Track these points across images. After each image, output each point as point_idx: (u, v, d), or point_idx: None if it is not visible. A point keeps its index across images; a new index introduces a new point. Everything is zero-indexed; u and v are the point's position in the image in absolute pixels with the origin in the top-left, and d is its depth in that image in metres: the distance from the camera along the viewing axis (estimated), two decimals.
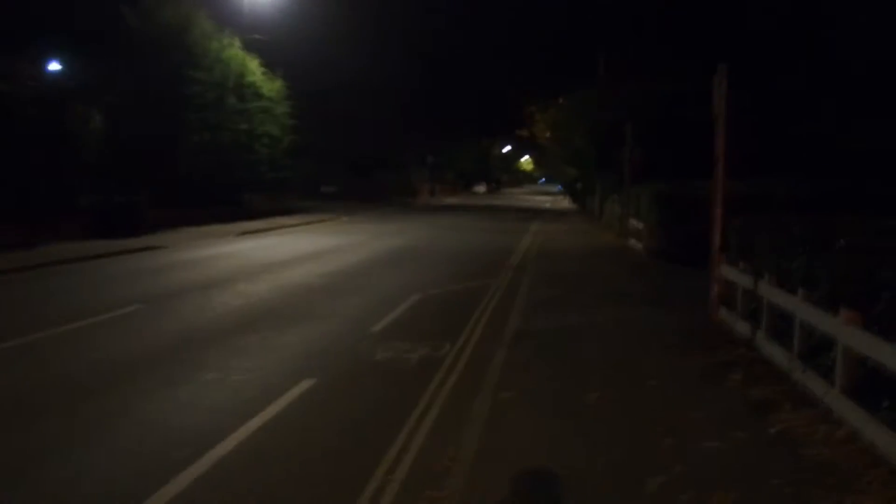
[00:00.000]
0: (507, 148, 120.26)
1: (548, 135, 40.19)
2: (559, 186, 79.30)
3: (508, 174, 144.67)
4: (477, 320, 11.85)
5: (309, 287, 15.07)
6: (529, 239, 27.59)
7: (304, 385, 8.02)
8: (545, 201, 72.73)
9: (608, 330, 11.16)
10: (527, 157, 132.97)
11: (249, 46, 36.91)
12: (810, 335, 7.49)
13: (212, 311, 12.47)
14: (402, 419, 6.94)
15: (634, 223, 22.70)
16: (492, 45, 79.17)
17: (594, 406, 7.34)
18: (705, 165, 23.37)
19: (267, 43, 38.95)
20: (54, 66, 34.18)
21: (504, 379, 8.32)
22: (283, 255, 20.83)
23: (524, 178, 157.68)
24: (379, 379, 8.50)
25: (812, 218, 9.30)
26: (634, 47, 28.74)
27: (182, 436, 6.51)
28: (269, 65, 38.70)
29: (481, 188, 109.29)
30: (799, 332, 7.59)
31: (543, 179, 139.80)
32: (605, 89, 30.74)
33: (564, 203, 64.48)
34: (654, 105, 26.03)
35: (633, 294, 14.86)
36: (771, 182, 18.28)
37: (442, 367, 8.89)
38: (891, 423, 5.60)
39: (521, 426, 6.84)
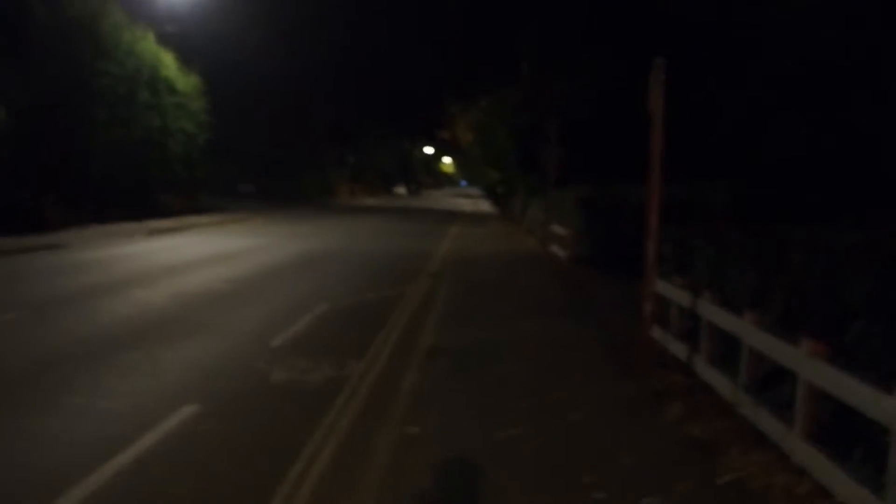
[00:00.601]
0: (430, 150, 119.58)
1: (469, 137, 39.22)
2: (479, 189, 78.55)
3: (430, 176, 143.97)
4: (388, 334, 10.71)
5: (210, 294, 13.69)
6: (448, 243, 26.57)
7: (186, 412, 6.81)
8: (466, 204, 71.93)
9: (529, 348, 10.12)
10: (448, 159, 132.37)
11: (164, 40, 35.17)
12: (759, 363, 6.56)
13: (96, 322, 11.04)
14: (292, 456, 5.86)
15: (557, 229, 21.85)
16: (414, 44, 78.21)
17: (510, 446, 6.24)
18: (632, 169, 22.84)
19: (183, 38, 37.20)
20: None
21: (412, 408, 7.19)
22: (190, 256, 19.37)
23: (445, 181, 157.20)
24: (272, 405, 7.31)
25: (757, 229, 8.42)
26: (560, 46, 27.93)
27: (27, 478, 5.32)
28: (186, 60, 37.03)
29: (402, 190, 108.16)
30: (748, 360, 6.64)
31: (465, 182, 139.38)
32: (528, 88, 29.87)
33: (485, 206, 63.73)
34: (580, 105, 25.24)
35: (556, 306, 13.91)
36: (705, 187, 17.62)
37: (344, 390, 7.74)
38: (867, 480, 4.64)
39: (425, 471, 5.73)
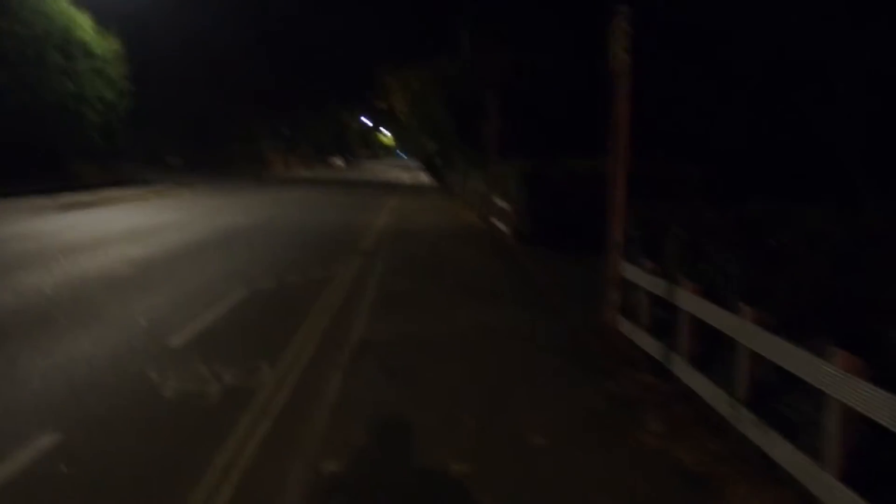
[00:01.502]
0: (367, 121, 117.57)
1: (406, 108, 37.67)
2: (417, 160, 76.94)
3: (368, 147, 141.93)
4: (312, 326, 9.32)
5: (111, 279, 12.04)
6: (385, 218, 25.15)
7: (41, 445, 5.32)
8: (404, 176, 70.30)
9: (473, 344, 8.79)
10: (386, 130, 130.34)
11: (81, 1, 32.93)
12: (762, 369, 5.37)
13: None
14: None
15: (500, 203, 20.60)
16: (351, 9, 76.20)
17: (454, 491, 4.94)
18: (575, 142, 21.71)
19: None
20: None
21: (333, 432, 5.82)
22: (99, 234, 17.56)
23: (383, 152, 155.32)
24: (158, 432, 5.79)
25: (742, 209, 7.24)
26: (501, 14, 26.58)
27: None
28: (104, 23, 34.80)
29: (339, 161, 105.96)
30: (748, 366, 5.44)
31: (404, 154, 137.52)
32: (468, 59, 28.47)
33: (423, 178, 62.26)
34: (521, 76, 23.99)
35: (502, 289, 12.62)
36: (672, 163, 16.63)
37: (252, 405, 6.33)
38: None
39: None
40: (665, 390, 6.63)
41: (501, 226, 20.20)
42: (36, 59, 29.42)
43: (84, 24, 32.94)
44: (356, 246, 17.38)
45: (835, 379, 4.19)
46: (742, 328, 5.47)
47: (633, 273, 7.81)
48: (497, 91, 21.21)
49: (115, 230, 18.52)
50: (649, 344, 7.37)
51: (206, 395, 6.61)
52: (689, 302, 6.51)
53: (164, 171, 50.68)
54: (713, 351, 6.27)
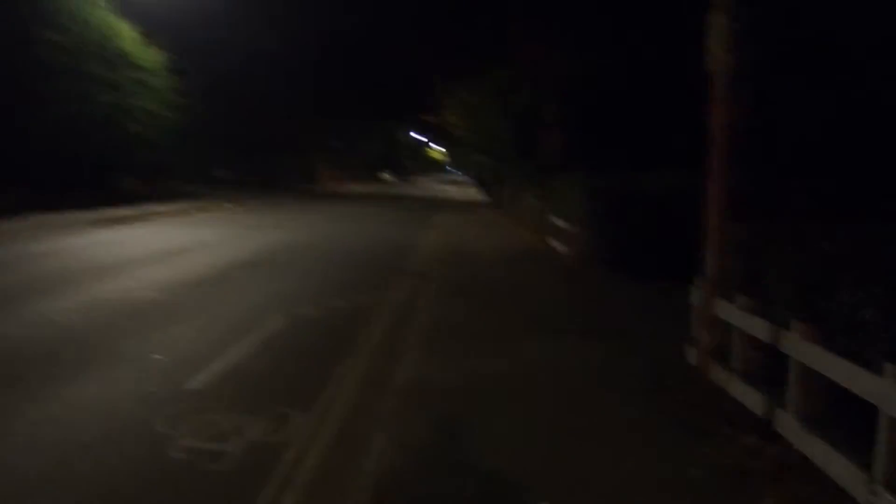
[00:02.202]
0: (417, 136, 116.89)
1: (457, 120, 36.67)
2: (468, 175, 75.98)
3: (417, 162, 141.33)
4: (353, 364, 8.33)
5: (133, 305, 11.11)
6: (435, 235, 24.17)
7: None
8: (453, 191, 69.42)
9: (542, 389, 7.63)
10: (436, 145, 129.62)
11: (124, 10, 32.43)
12: None
13: None
14: None
15: (558, 221, 19.45)
16: (401, 23, 75.61)
17: None
18: (646, 157, 20.46)
19: (148, 8, 34.64)
20: None
21: None
22: (133, 252, 16.77)
23: (433, 167, 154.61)
24: None
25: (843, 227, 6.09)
26: (552, 17, 25.45)
27: None
28: (150, 33, 34.33)
29: (388, 176, 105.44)
30: (892, 440, 4.30)
31: (453, 169, 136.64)
32: (520, 64, 27.37)
33: (473, 194, 61.25)
34: (582, 83, 22.81)
35: (567, 319, 11.42)
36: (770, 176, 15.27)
37: (276, 473, 5.31)
38: None
39: None
40: (775, 457, 5.47)
41: (560, 246, 19.07)
42: (74, 70, 28.89)
43: (125, 34, 32.45)
44: (406, 267, 16.42)
45: None
46: (885, 392, 4.32)
47: (728, 311, 6.65)
48: (556, 100, 20.08)
49: (149, 248, 17.77)
50: (748, 396, 6.21)
51: (222, 456, 5.60)
52: (803, 350, 5.36)
53: (211, 185, 50.33)
54: (835, 409, 5.13)
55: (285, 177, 62.81)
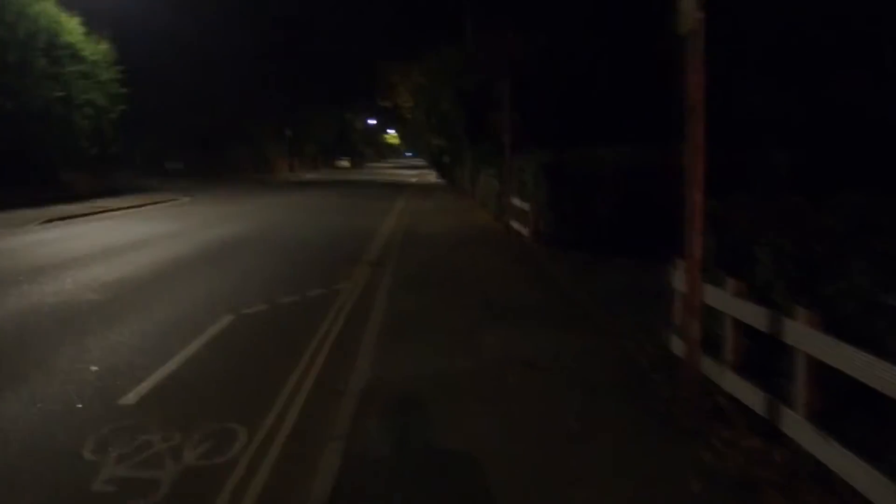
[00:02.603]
0: (372, 121, 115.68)
1: (410, 103, 35.80)
2: (425, 159, 74.94)
3: (374, 148, 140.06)
4: (306, 366, 7.57)
5: (72, 308, 10.25)
6: (394, 221, 23.37)
7: None
8: (411, 176, 68.46)
9: (508, 385, 6.92)
10: (392, 130, 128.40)
11: (69, 3, 31.16)
12: None
13: None
14: None
15: (517, 202, 18.75)
16: (350, 7, 74.41)
17: None
18: (598, 134, 19.83)
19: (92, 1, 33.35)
20: None
21: None
22: (77, 251, 15.84)
23: (390, 152, 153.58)
24: None
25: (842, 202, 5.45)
26: None
27: None
28: (95, 25, 33.08)
29: (345, 162, 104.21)
30: None
31: (410, 153, 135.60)
32: (474, 46, 26.61)
33: (431, 177, 60.41)
34: (536, 60, 22.10)
35: (532, 304, 10.74)
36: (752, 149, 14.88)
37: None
38: None
39: None
40: (784, 464, 4.79)
41: (519, 227, 18.38)
42: (20, 65, 27.66)
43: (73, 28, 31.22)
44: (362, 255, 15.62)
45: None
46: None
47: (717, 297, 5.96)
48: (508, 79, 19.32)
49: (96, 245, 16.81)
50: (746, 392, 5.52)
51: (155, 486, 4.83)
52: (810, 340, 4.68)
53: (163, 177, 49.04)
54: (850, 406, 4.48)
55: (239, 167, 61.62)
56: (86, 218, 23.91)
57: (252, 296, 11.11)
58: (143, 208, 28.40)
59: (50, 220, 22.72)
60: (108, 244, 16.95)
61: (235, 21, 59.37)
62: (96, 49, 32.81)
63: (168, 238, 18.44)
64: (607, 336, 8.63)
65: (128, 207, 28.10)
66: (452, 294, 11.44)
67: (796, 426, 4.80)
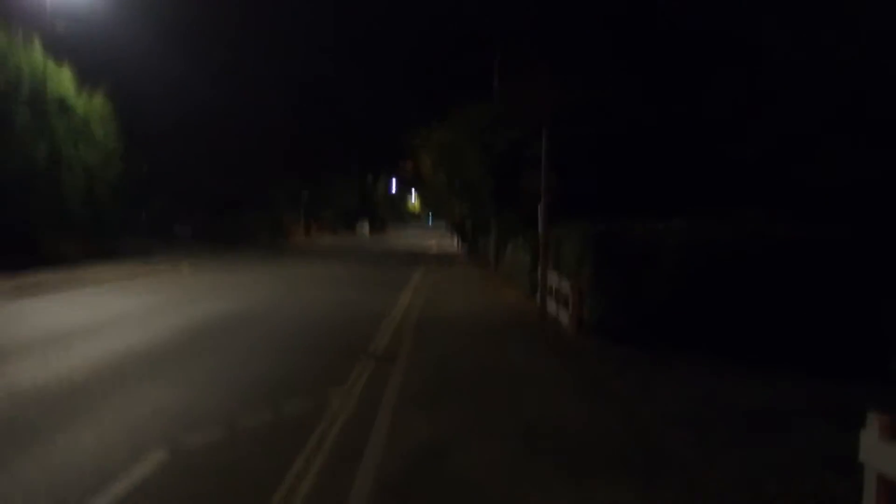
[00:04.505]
0: (393, 187, 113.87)
1: (431, 165, 33.06)
2: (447, 227, 72.11)
3: (395, 213, 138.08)
4: None
5: None
6: (408, 298, 20.41)
7: None
8: (431, 243, 65.71)
9: None
10: (414, 196, 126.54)
11: (60, 53, 28.88)
12: None
13: None
14: None
15: (555, 279, 15.78)
16: (371, 72, 72.78)
17: None
18: (650, 203, 17.02)
19: (89, 50, 31.20)
20: None
21: None
22: (33, 330, 13.50)
23: (411, 219, 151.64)
24: None
25: None
26: (538, 48, 22.07)
27: None
28: (91, 77, 30.79)
29: (365, 229, 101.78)
30: None
31: (431, 220, 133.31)
32: (505, 99, 23.91)
33: (452, 247, 57.58)
34: (573, 117, 19.30)
35: (589, 435, 7.61)
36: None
37: None
38: None
39: None
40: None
41: (558, 311, 15.40)
42: (2, 118, 25.27)
43: (63, 79, 28.88)
44: (365, 346, 12.69)
45: None
46: None
47: None
48: (547, 131, 16.47)
49: (58, 324, 14.29)
50: None
51: None
52: None
53: (170, 242, 46.32)
54: None
55: (253, 232, 59.10)
56: (62, 289, 21.17)
57: (208, 414, 8.17)
58: (135, 278, 25.65)
59: (18, 291, 20.04)
60: (58, 326, 14.10)
61: (253, 82, 57.49)
62: (89, 103, 30.40)
63: (144, 317, 15.63)
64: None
65: (119, 277, 25.36)
66: (479, 414, 8.41)
67: None
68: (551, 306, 15.88)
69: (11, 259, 25.29)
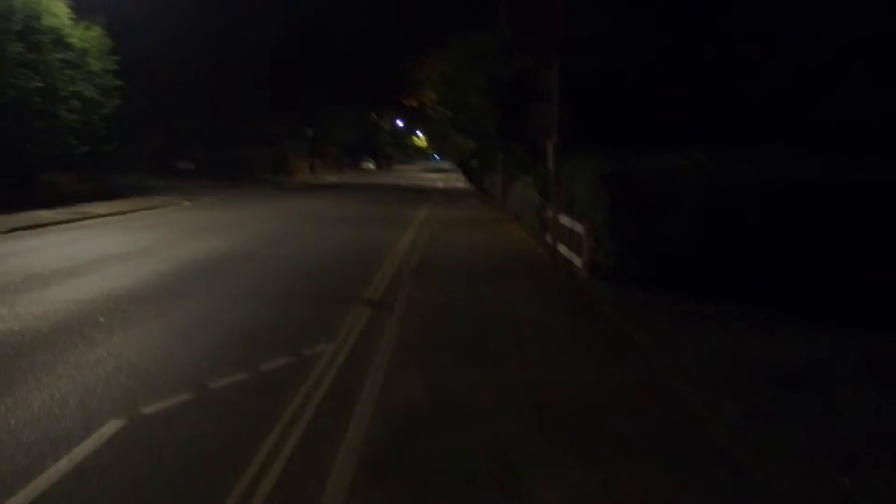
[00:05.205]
0: (400, 123, 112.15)
1: (434, 98, 31.69)
2: (453, 163, 70.83)
3: (401, 150, 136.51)
4: None
5: None
6: (411, 236, 19.50)
7: None
8: (437, 179, 64.60)
9: None
10: (420, 132, 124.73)
11: None
12: None
13: None
14: None
15: (566, 221, 14.74)
16: (384, 5, 70.99)
17: None
18: (657, 134, 15.92)
19: None
20: None
21: None
22: (19, 271, 12.73)
23: (418, 155, 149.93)
24: None
25: None
26: None
27: None
28: (88, 9, 29.43)
29: (370, 165, 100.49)
30: None
31: (438, 156, 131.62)
32: (511, 26, 22.50)
33: (458, 183, 56.49)
34: (584, 47, 18.07)
35: (607, 399, 6.67)
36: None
37: None
38: None
39: None
40: None
41: (569, 253, 14.41)
42: None
43: (57, 11, 27.51)
44: (363, 289, 11.79)
45: None
46: None
47: None
48: (558, 61, 15.29)
49: (45, 265, 13.49)
50: None
51: None
52: None
53: (173, 179, 45.30)
54: None
55: (256, 168, 58.02)
56: (62, 226, 20.39)
57: (178, 371, 7.28)
58: (132, 214, 24.80)
59: (13, 230, 19.15)
60: (43, 266, 13.24)
61: (253, 16, 55.82)
62: (85, 35, 29.04)
63: (133, 256, 14.75)
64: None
65: (115, 213, 24.48)
66: (481, 371, 7.48)
67: None
68: (563, 248, 14.87)
69: (11, 196, 24.40)
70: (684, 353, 8.10)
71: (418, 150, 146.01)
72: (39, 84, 25.92)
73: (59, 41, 27.48)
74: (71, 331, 8.82)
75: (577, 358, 8.19)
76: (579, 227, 13.47)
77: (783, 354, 8.13)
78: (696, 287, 10.68)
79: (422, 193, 42.47)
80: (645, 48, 18.93)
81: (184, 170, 52.47)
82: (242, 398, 6.64)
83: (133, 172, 41.69)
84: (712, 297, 10.39)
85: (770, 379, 7.19)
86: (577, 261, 13.73)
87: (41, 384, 6.85)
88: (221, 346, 8.28)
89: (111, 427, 5.82)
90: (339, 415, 6.21)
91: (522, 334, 9.10)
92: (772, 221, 10.44)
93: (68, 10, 28.26)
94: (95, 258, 14.40)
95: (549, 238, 15.53)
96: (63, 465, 5.12)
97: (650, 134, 17.16)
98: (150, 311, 10.05)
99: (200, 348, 8.18)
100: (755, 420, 6.14)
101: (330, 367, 7.58)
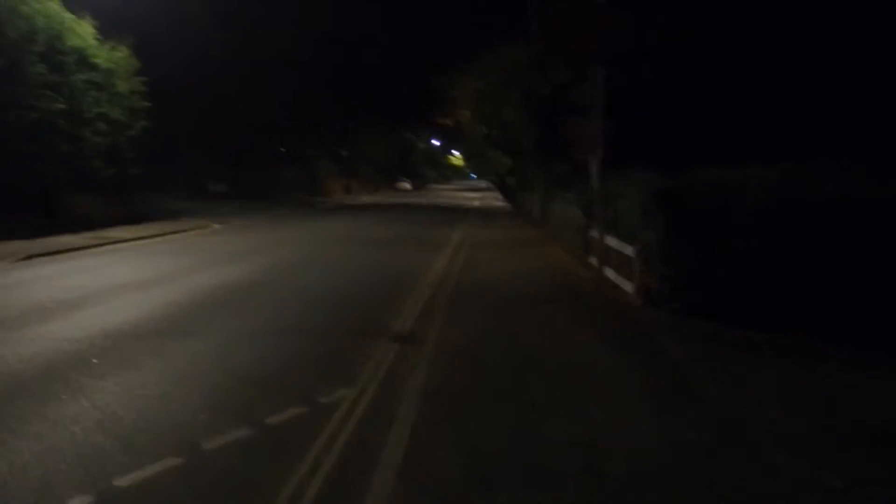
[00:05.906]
0: (436, 142, 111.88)
1: (468, 113, 30.69)
2: (489, 181, 69.79)
3: (437, 169, 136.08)
4: None
5: None
6: (447, 258, 18.44)
7: None
8: (474, 198, 63.54)
9: None
10: (456, 151, 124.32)
11: (79, 5, 27.00)
12: None
13: None
14: None
15: (613, 242, 13.53)
16: (414, 23, 70.51)
17: None
18: (704, 149, 14.61)
19: (112, 7, 29.29)
20: None
21: None
22: (19, 304, 11.86)
23: (454, 174, 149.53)
24: None
25: None
26: None
27: None
28: (115, 30, 28.91)
29: (406, 184, 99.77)
30: None
31: (474, 175, 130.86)
32: (546, 37, 21.38)
33: (495, 201, 55.40)
34: (625, 58, 16.94)
35: (676, 465, 5.49)
36: None
37: None
38: None
39: None
40: None
41: (617, 278, 13.20)
42: (8, 70, 23.45)
43: (82, 31, 26.95)
44: (390, 321, 10.73)
45: None
46: None
47: None
48: (602, 70, 14.16)
49: (52, 296, 12.60)
50: None
51: None
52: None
53: (204, 201, 44.70)
54: None
55: (290, 189, 57.39)
56: (80, 252, 19.61)
57: (168, 427, 6.23)
58: (157, 238, 23.97)
59: (29, 257, 18.35)
60: (49, 298, 12.34)
61: (290, 33, 55.41)
62: (111, 56, 28.47)
63: (143, 286, 13.79)
64: None
65: (142, 238, 23.68)
66: (525, 422, 6.34)
67: None
68: (611, 273, 13.66)
69: (28, 220, 23.75)
70: (764, 402, 6.88)
71: (455, 169, 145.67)
72: (62, 106, 25.31)
73: (84, 61, 26.98)
74: (56, 376, 7.79)
75: (632, 400, 7.01)
76: (628, 249, 12.26)
77: (884, 402, 6.88)
78: (762, 316, 9.46)
79: (458, 213, 41.43)
80: (692, 60, 17.80)
81: (216, 192, 51.92)
82: (239, 463, 5.56)
83: (165, 195, 41.15)
84: (781, 328, 9.15)
85: (875, 435, 5.97)
86: (626, 286, 12.53)
87: (3, 447, 5.80)
88: (224, 394, 7.21)
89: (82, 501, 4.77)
90: (353, 487, 5.10)
91: (571, 378, 7.90)
92: (854, 244, 9.18)
93: (94, 31, 27.73)
94: (106, 288, 13.47)
95: (593, 260, 14.34)
96: None
97: (697, 149, 16.00)
98: (151, 349, 9.02)
99: (200, 397, 7.12)
100: (866, 490, 4.94)
101: (347, 421, 6.49)
